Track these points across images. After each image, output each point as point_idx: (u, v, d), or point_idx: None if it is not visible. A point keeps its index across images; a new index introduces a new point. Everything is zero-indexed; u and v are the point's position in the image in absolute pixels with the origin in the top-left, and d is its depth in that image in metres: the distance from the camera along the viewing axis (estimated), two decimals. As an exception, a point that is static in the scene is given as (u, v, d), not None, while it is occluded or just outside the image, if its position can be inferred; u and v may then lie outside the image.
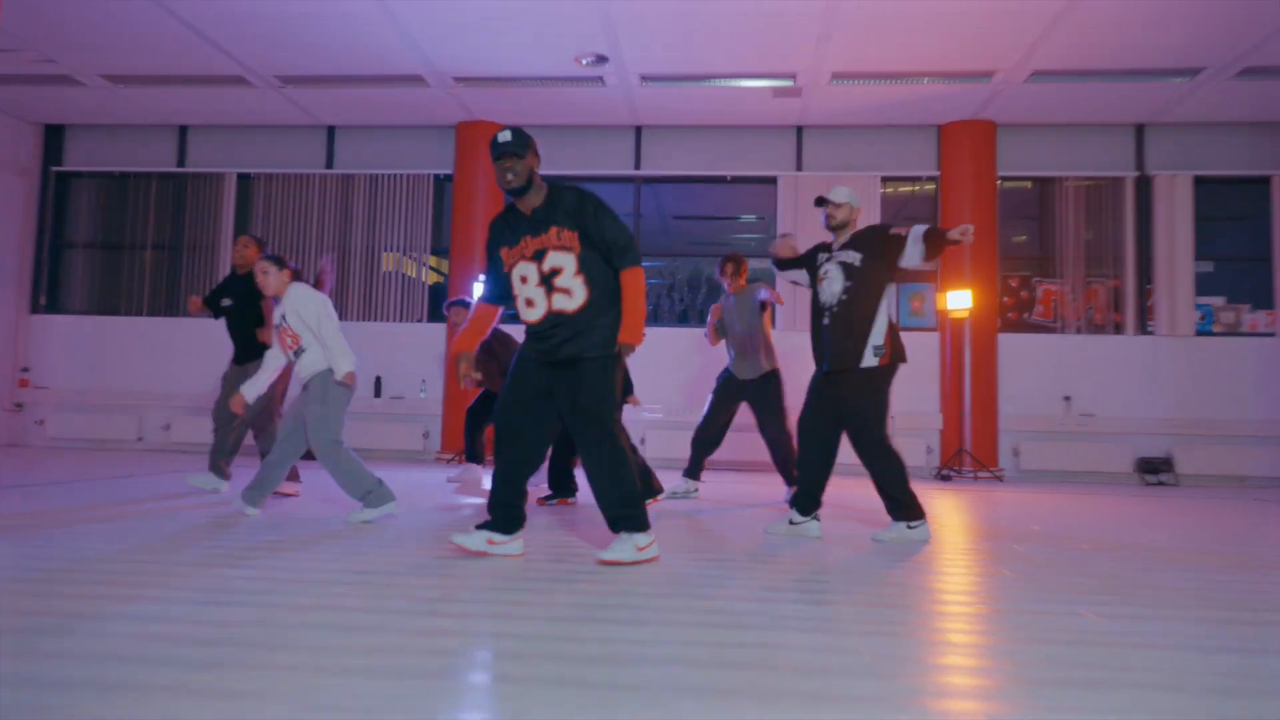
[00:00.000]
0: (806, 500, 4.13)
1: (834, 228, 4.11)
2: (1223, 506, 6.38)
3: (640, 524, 3.26)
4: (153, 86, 8.67)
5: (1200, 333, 8.88)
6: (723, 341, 5.85)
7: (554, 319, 3.24)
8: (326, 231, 9.69)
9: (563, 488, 5.21)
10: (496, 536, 3.32)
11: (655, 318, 9.90)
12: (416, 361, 9.37)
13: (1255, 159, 8.97)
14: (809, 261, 4.24)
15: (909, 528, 4.01)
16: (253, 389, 4.44)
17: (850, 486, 6.99)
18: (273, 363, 4.50)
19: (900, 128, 9.27)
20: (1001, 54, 7.42)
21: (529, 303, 3.29)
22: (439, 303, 9.72)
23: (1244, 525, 5.20)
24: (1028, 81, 7.95)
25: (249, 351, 5.21)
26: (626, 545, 3.24)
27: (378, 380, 9.35)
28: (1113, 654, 2.21)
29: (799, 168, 9.36)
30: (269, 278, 4.40)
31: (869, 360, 3.91)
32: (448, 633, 2.24)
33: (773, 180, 9.36)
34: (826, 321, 4.02)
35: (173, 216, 9.93)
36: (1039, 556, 3.75)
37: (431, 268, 9.90)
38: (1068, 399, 8.83)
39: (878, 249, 3.97)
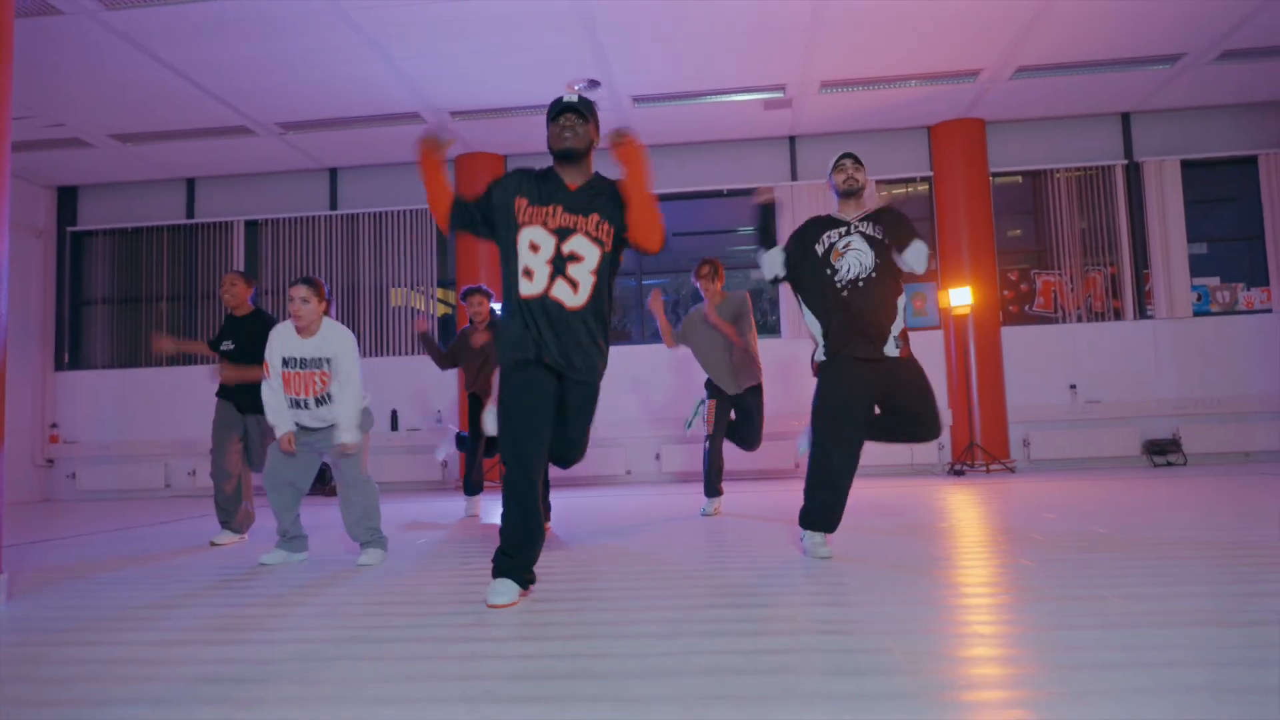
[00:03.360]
0: (834, 518, 3.62)
1: (851, 192, 3.75)
2: (1230, 483, 6.35)
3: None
4: (159, 142, 8.77)
5: (1198, 313, 8.87)
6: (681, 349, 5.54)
7: (550, 306, 2.87)
8: (333, 271, 9.76)
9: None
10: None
11: (657, 336, 9.90)
12: (431, 395, 9.40)
13: (1240, 140, 8.97)
14: (805, 242, 3.80)
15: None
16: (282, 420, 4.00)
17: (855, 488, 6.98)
18: (276, 410, 3.98)
19: (891, 131, 9.30)
20: (985, 53, 7.46)
21: (527, 272, 2.89)
22: (449, 334, 9.77)
23: (1253, 500, 5.18)
24: (1013, 78, 7.99)
25: (254, 399, 4.63)
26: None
27: (394, 414, 9.38)
28: (1139, 634, 2.22)
29: (794, 177, 9.40)
30: (309, 308, 3.88)
31: (890, 350, 3.56)
32: (484, 657, 2.26)
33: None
34: (847, 295, 3.58)
35: (185, 267, 10.01)
36: (1058, 544, 3.74)
37: (439, 299, 9.96)
38: (1074, 387, 8.82)
39: (897, 233, 3.62)
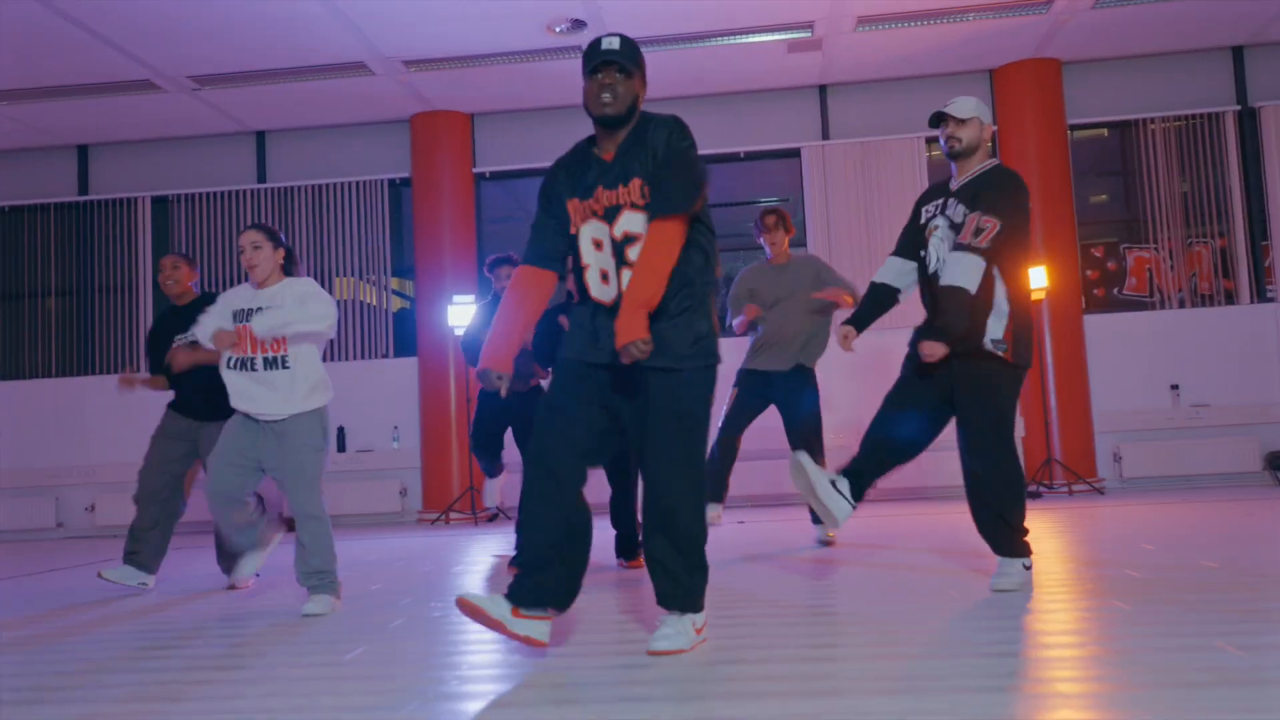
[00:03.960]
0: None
1: (956, 154, 3.69)
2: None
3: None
4: (41, 101, 8.76)
5: (1330, 294, 8.87)
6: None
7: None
8: (264, 257, 9.74)
9: None
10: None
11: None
12: (387, 405, 9.39)
13: (1380, 79, 8.97)
14: (914, 216, 3.85)
15: (1025, 566, 3.70)
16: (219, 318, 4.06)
17: (907, 515, 6.96)
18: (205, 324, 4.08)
19: (944, 77, 9.29)
20: (1059, -22, 7.45)
21: (603, 276, 2.94)
22: (406, 333, 9.76)
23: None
24: (1095, 6, 7.97)
25: (213, 404, 4.56)
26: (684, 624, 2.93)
27: (340, 431, 9.37)
28: (1261, 692, 2.19)
29: (825, 135, 9.39)
30: (262, 254, 3.98)
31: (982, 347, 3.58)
32: (530, 684, 2.25)
33: (795, 153, 9.39)
34: (934, 290, 3.67)
35: (78, 254, 10.01)
36: (1157, 582, 3.72)
37: (395, 291, 9.95)
38: (1175, 388, 8.80)
39: (1000, 204, 3.55)
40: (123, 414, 9.55)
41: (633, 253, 2.86)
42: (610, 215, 2.91)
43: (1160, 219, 9.06)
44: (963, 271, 3.49)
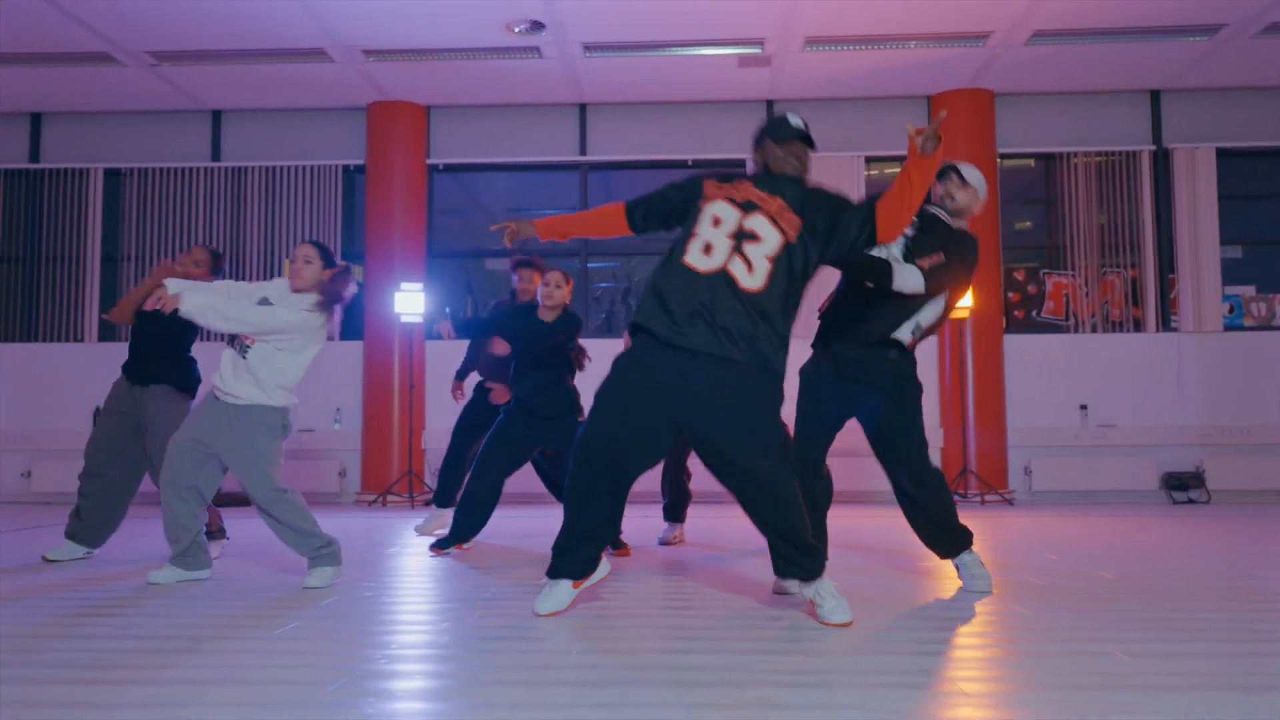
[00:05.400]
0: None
1: (949, 212, 3.86)
2: (1260, 526, 6.55)
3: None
4: (-3, 67, 8.50)
5: (1229, 327, 9.13)
6: None
7: (724, 280, 3.13)
8: (215, 235, 9.56)
9: None
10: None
11: (610, 327, 9.91)
12: (329, 387, 9.24)
13: (1284, 128, 9.27)
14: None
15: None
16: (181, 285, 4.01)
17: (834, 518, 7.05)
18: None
19: (885, 100, 9.41)
20: (998, 11, 7.58)
21: (708, 247, 3.19)
22: (353, 316, 9.63)
23: (1287, 545, 5.34)
24: (1029, 44, 8.13)
25: (160, 364, 4.67)
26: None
27: (281, 410, 9.22)
28: (1147, 697, 2.26)
29: (770, 148, 9.44)
30: (311, 268, 4.09)
31: None
32: (563, 683, 2.23)
33: (741, 163, 9.44)
34: None
35: (26, 222, 9.71)
36: (1058, 589, 3.82)
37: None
38: (1084, 408, 9.01)
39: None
40: (63, 383, 9.34)
41: (750, 248, 3.15)
42: (747, 208, 3.21)
43: (1078, 248, 9.27)
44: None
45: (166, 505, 4.01)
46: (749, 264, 3.13)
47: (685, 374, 3.10)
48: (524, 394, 4.84)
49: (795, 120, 3.33)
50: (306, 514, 4.06)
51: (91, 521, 4.72)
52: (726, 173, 3.38)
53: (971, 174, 3.87)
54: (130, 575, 4.28)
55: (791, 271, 3.17)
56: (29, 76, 8.73)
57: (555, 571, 3.28)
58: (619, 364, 3.24)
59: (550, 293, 4.82)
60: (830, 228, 3.21)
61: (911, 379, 3.70)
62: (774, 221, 3.17)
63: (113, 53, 8.20)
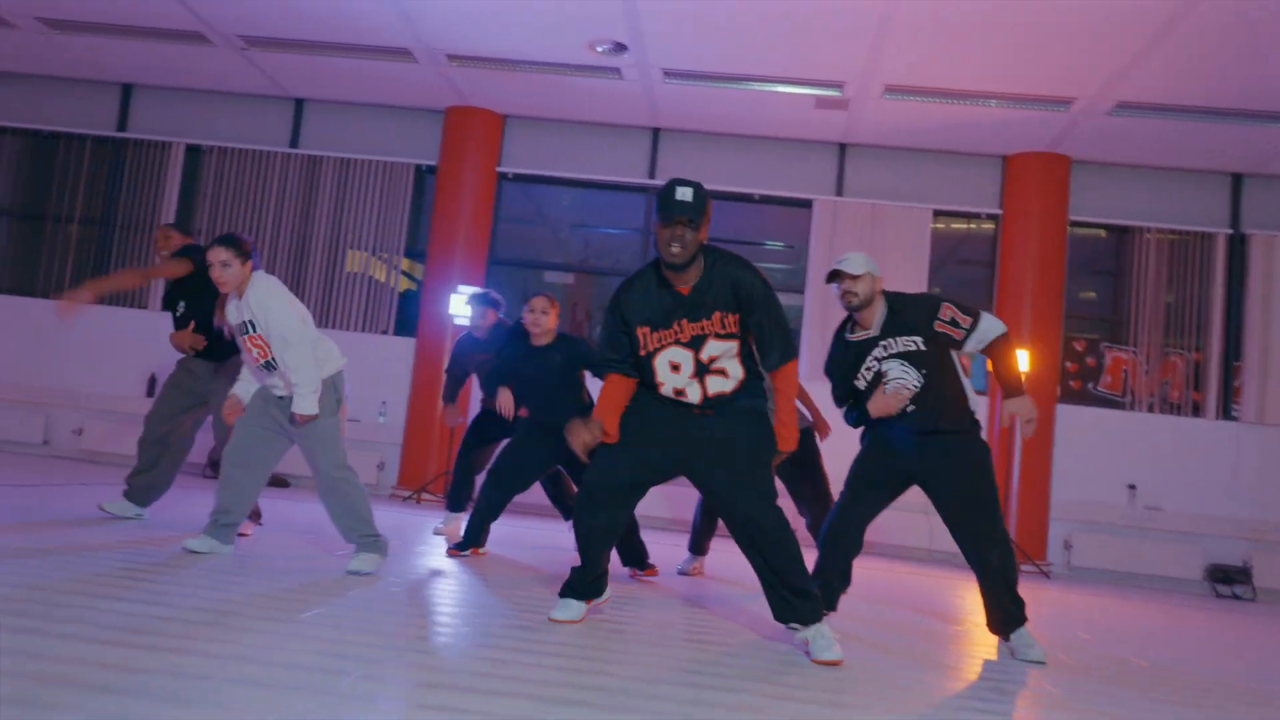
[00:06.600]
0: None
1: (855, 308, 3.78)
2: (1307, 629, 6.32)
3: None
4: (93, 35, 8.71)
5: (1292, 422, 8.88)
6: None
7: (708, 403, 3.31)
8: (285, 219, 9.71)
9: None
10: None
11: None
12: (379, 380, 9.33)
13: (1369, 225, 9.03)
14: (851, 375, 3.87)
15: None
16: (247, 389, 4.21)
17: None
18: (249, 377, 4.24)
19: (959, 155, 9.32)
20: (1084, 78, 7.48)
21: (678, 392, 3.32)
22: (408, 313, 9.72)
23: (1332, 653, 5.14)
24: (1112, 114, 8.02)
25: (223, 346, 4.87)
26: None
27: (327, 398, 9.31)
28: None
29: (839, 191, 9.41)
30: (229, 271, 3.98)
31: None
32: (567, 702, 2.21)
33: (808, 203, 9.39)
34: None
35: (107, 187, 9.95)
36: (1088, 670, 3.70)
37: (404, 272, 9.91)
38: (1132, 487, 8.80)
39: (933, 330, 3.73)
40: (121, 347, 9.51)
41: (717, 364, 3.26)
42: (696, 343, 3.26)
43: (1142, 324, 9.09)
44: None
45: (227, 478, 4.12)
46: (723, 374, 3.29)
47: (684, 422, 3.32)
48: (538, 412, 4.87)
49: (680, 192, 3.12)
50: (365, 499, 4.15)
51: (143, 484, 4.99)
52: (648, 299, 3.29)
53: (855, 262, 3.78)
54: (170, 541, 4.34)
55: (752, 348, 3.34)
56: (124, 48, 8.96)
57: (568, 592, 3.48)
58: (623, 416, 3.39)
59: (536, 319, 4.84)
60: (750, 314, 3.27)
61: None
62: (723, 335, 3.25)
63: (206, 33, 8.39)
